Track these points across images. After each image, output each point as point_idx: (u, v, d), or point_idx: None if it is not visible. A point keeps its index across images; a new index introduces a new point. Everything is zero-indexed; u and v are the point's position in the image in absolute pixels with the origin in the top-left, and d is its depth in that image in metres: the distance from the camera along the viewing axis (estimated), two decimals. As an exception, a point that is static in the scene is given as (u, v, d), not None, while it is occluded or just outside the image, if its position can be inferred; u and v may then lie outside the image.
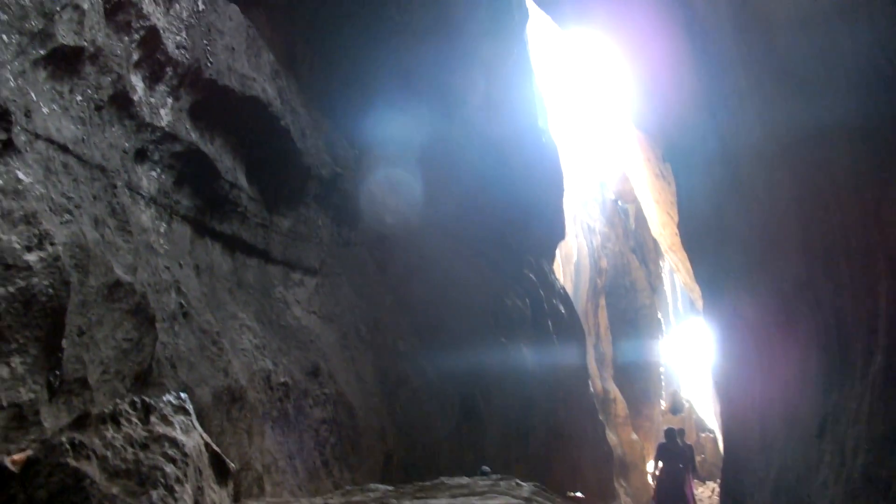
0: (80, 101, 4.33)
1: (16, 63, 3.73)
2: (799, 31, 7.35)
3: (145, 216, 5.17)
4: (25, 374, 3.34)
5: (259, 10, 8.21)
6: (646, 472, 26.59)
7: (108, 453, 3.00)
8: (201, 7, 5.74)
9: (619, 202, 35.84)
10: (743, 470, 11.53)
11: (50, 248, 3.51)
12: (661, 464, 14.59)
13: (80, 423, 3.10)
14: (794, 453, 8.67)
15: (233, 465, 3.92)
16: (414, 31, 12.36)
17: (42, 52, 3.92)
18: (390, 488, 5.70)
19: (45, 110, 3.91)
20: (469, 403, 11.78)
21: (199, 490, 3.34)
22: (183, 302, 5.32)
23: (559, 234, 20.51)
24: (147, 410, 3.30)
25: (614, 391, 29.49)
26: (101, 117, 4.59)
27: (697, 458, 20.12)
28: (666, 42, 12.15)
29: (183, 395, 3.65)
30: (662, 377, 33.33)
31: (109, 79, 4.61)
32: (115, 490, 2.90)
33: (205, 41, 5.75)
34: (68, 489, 2.83)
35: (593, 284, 32.49)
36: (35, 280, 3.39)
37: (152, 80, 5.19)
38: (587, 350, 23.55)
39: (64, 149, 4.01)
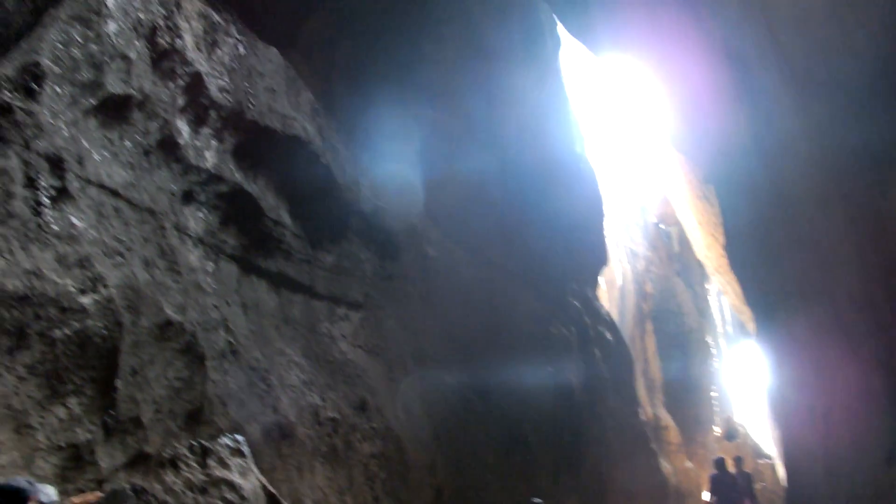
0: (130, 146, 4.46)
1: (69, 113, 3.87)
2: (850, 56, 7.23)
3: (193, 256, 5.27)
4: (82, 415, 3.39)
5: (297, 50, 8.40)
6: (702, 502, 25.80)
7: (169, 499, 3.02)
8: (242, 51, 5.89)
9: (662, 225, 35.39)
10: (808, 499, 11.10)
11: (103, 291, 3.59)
12: (715, 498, 13.66)
13: (136, 463, 3.13)
14: (863, 480, 8.32)
15: None
16: (450, 63, 12.50)
17: (93, 101, 4.06)
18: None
19: (96, 157, 4.04)
20: (517, 433, 11.62)
21: (256, 532, 3.34)
22: (231, 339, 5.38)
23: (602, 260, 20.31)
24: (205, 454, 3.33)
25: (665, 418, 28.81)
26: (149, 161, 4.71)
27: (757, 487, 19.40)
28: (703, 65, 12.06)
29: (239, 437, 3.67)
30: (715, 402, 32.48)
31: (156, 124, 4.74)
32: (176, 534, 2.92)
33: (246, 84, 5.89)
34: (133, 535, 2.86)
35: (639, 309, 32.00)
36: (90, 322, 3.47)
37: (197, 123, 5.33)
38: (636, 376, 23.13)
39: (115, 193, 4.13)
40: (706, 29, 11.41)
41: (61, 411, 3.29)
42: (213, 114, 5.44)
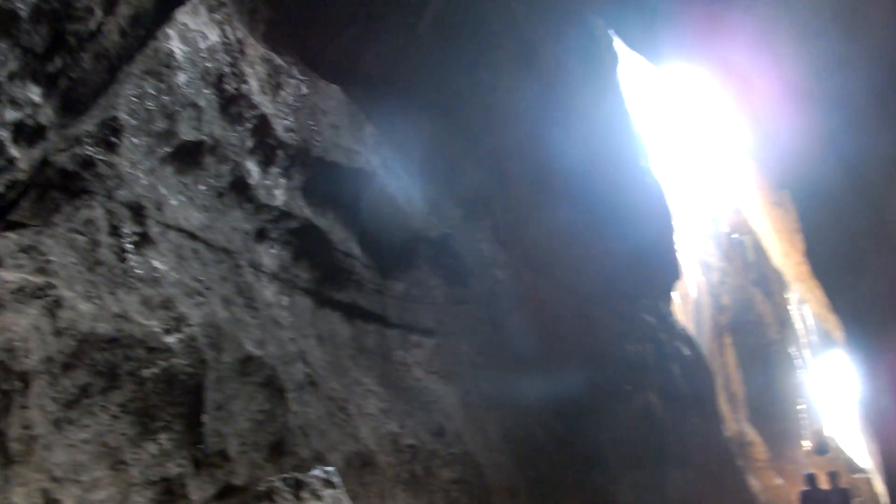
0: (204, 189, 4.65)
1: (146, 161, 4.07)
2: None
3: (269, 292, 5.42)
4: (172, 450, 3.52)
5: (358, 85, 8.58)
6: (796, 520, 24.64)
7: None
8: (305, 90, 6.08)
9: (735, 235, 34.37)
10: (910, 512, 10.48)
11: (187, 330, 3.74)
12: None
13: (225, 495, 3.22)
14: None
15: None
16: (506, 88, 12.56)
17: (168, 149, 4.26)
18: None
19: (173, 202, 4.22)
20: (596, 454, 11.40)
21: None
22: (309, 371, 5.49)
23: (674, 275, 19.85)
24: (298, 486, 3.41)
25: (751, 433, 27.73)
26: (222, 203, 4.90)
27: (855, 503, 18.36)
28: (773, 71, 11.77)
29: (330, 468, 3.75)
30: (803, 415, 31.08)
31: (228, 167, 4.93)
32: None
33: (310, 122, 6.07)
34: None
35: (716, 322, 31.06)
36: (175, 360, 3.61)
37: (266, 163, 5.52)
38: (717, 391, 22.39)
39: (192, 236, 4.30)
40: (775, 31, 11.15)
41: (153, 447, 3.42)
42: (280, 153, 5.62)
